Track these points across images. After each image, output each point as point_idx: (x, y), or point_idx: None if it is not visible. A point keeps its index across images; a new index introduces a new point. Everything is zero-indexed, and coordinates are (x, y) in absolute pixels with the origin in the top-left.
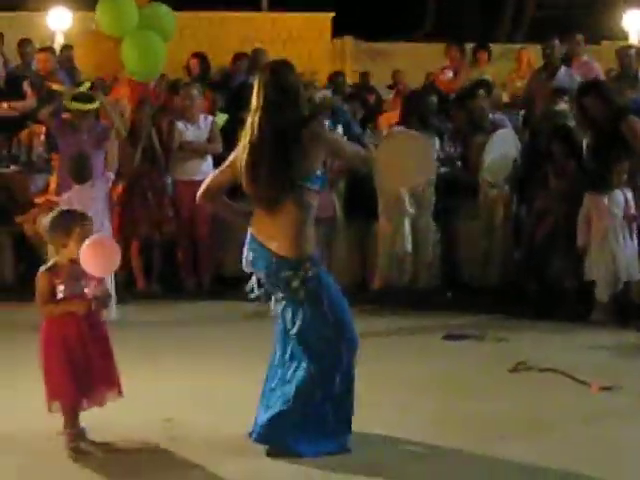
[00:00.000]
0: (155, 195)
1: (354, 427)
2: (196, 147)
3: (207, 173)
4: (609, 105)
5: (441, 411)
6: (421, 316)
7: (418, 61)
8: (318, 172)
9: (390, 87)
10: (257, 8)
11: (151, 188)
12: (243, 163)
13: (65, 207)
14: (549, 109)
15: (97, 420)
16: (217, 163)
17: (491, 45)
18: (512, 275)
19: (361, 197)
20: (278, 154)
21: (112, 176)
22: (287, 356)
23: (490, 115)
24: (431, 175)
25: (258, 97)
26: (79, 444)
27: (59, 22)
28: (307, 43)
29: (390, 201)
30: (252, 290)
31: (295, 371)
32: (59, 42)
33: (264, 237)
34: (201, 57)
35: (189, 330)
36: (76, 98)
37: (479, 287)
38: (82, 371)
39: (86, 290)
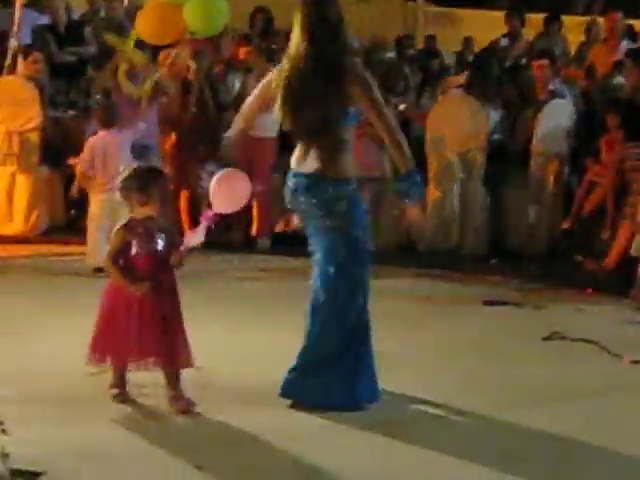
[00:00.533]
0: (206, 147)
1: (382, 385)
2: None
3: (265, 129)
4: None
5: (469, 374)
6: (464, 280)
7: (489, 28)
8: (351, 109)
9: (458, 53)
10: None
11: (203, 140)
12: (281, 92)
13: (141, 165)
14: (606, 82)
15: None
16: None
17: (565, 17)
18: (559, 244)
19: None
20: (318, 86)
21: (143, 126)
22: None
23: (550, 85)
24: (481, 141)
25: (299, 28)
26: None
27: None
28: (379, 5)
29: (440, 166)
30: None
31: (312, 326)
32: None
33: (305, 167)
34: (264, 11)
35: (226, 282)
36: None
37: (525, 255)
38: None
39: (159, 247)
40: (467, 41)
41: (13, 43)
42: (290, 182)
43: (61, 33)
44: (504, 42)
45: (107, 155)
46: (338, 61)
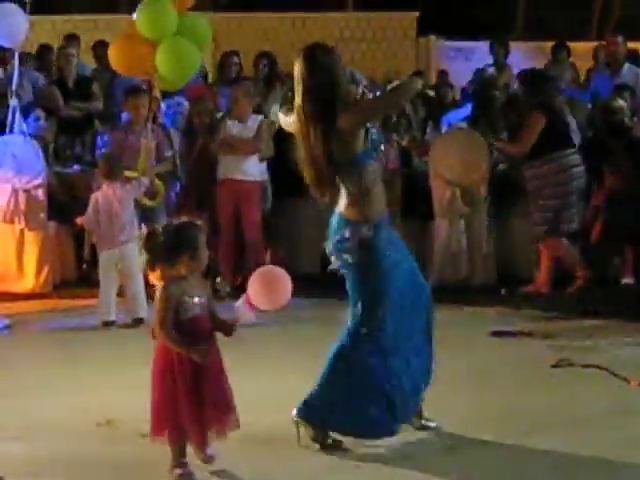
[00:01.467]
0: (210, 198)
1: None
2: (235, 142)
3: (250, 174)
4: None
5: (475, 405)
6: (473, 312)
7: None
8: (361, 149)
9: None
10: (342, 8)
11: (207, 191)
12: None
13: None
14: (607, 105)
15: (132, 414)
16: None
17: (575, 44)
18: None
19: (417, 198)
20: (316, 141)
21: (146, 182)
22: None
23: None
24: (483, 173)
25: (297, 84)
26: None
27: None
28: (392, 42)
29: (444, 199)
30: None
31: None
32: None
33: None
34: (268, 56)
35: None
36: None
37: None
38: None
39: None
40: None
41: (13, 101)
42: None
43: (69, 88)
44: (490, 71)
45: (111, 210)
46: (330, 116)
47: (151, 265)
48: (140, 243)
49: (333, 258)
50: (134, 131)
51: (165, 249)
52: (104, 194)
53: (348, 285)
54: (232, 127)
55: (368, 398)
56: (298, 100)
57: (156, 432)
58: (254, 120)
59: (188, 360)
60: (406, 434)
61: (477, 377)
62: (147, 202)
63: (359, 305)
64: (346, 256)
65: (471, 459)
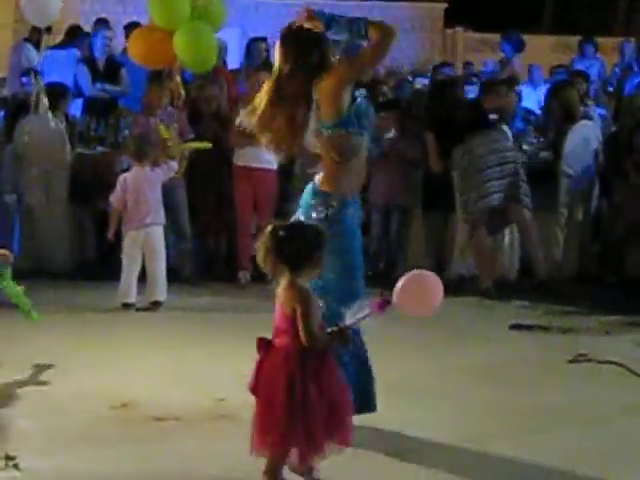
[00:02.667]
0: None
1: (400, 411)
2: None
3: (266, 162)
4: None
5: (491, 399)
6: (493, 305)
7: (529, 52)
8: (343, 114)
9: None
10: None
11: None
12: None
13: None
14: (632, 101)
15: (147, 397)
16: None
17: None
18: (590, 267)
19: (438, 190)
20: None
21: (175, 166)
22: None
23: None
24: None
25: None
26: None
27: None
28: (420, 34)
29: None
30: None
31: None
32: None
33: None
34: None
35: (241, 316)
36: None
37: (556, 278)
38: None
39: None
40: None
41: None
42: None
43: (99, 69)
44: (492, 65)
45: (139, 192)
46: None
47: (278, 264)
48: (264, 240)
49: None
50: (156, 115)
51: (297, 250)
52: (134, 175)
53: None
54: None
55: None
56: (278, 57)
57: (261, 445)
58: None
59: (310, 370)
60: (416, 426)
61: (494, 371)
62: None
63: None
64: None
65: (485, 453)
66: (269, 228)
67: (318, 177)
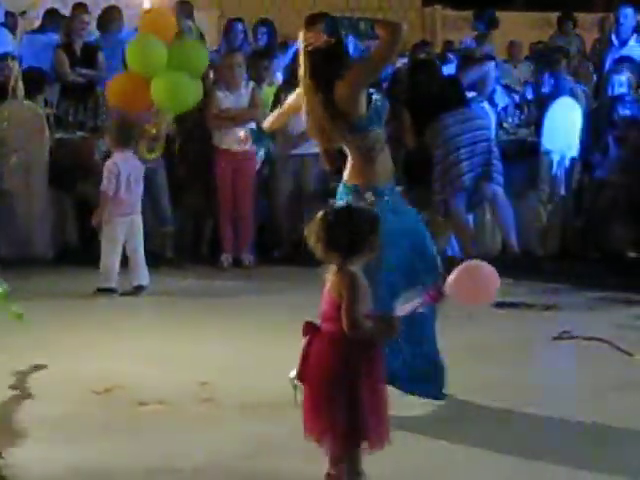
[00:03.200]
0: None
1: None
2: (232, 114)
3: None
4: None
5: (475, 377)
6: None
7: (507, 29)
8: (364, 114)
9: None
10: None
11: (200, 156)
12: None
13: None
14: (610, 77)
15: (131, 381)
16: None
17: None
18: (572, 244)
19: (420, 167)
20: (322, 106)
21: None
22: None
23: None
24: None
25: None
26: None
27: None
28: (397, 12)
29: None
30: None
31: None
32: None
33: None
34: (267, 25)
35: (223, 299)
36: None
37: (538, 255)
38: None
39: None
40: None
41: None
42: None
43: (76, 54)
44: (469, 42)
45: (132, 179)
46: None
47: (330, 250)
48: (315, 226)
49: None
50: None
51: (348, 236)
52: (125, 161)
53: None
54: (224, 99)
55: None
56: (301, 71)
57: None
58: (246, 88)
59: (357, 360)
60: (404, 404)
61: (478, 349)
62: (147, 155)
63: None
64: None
65: (470, 430)
66: (320, 214)
67: (345, 175)
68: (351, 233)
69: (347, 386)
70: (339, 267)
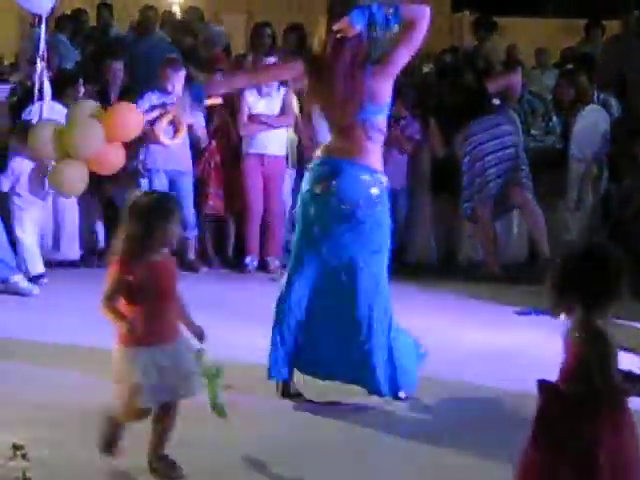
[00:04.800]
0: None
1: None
2: (264, 120)
3: (276, 148)
4: None
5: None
6: (499, 289)
7: (535, 36)
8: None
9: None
10: None
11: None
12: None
13: None
14: None
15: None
16: None
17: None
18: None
19: (446, 173)
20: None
21: None
22: None
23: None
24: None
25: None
26: None
27: None
28: None
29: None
30: None
31: None
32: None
33: (340, 154)
34: (298, 30)
35: (245, 303)
36: None
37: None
38: None
39: None
40: (510, 49)
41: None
42: (321, 167)
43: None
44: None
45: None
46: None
47: (566, 298)
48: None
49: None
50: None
51: (594, 284)
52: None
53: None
54: (256, 104)
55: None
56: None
57: None
58: (277, 92)
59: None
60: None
61: (488, 355)
62: (166, 141)
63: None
64: (380, 208)
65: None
66: (562, 256)
67: (370, 160)
68: (597, 281)
69: (586, 456)
70: (581, 319)
